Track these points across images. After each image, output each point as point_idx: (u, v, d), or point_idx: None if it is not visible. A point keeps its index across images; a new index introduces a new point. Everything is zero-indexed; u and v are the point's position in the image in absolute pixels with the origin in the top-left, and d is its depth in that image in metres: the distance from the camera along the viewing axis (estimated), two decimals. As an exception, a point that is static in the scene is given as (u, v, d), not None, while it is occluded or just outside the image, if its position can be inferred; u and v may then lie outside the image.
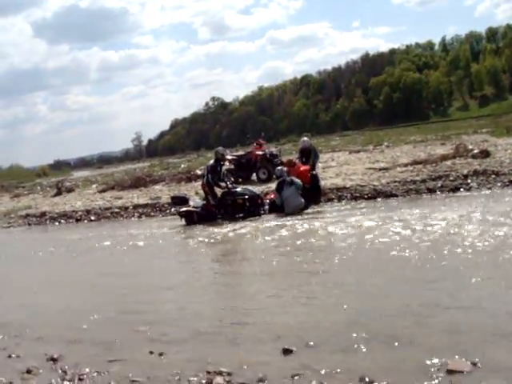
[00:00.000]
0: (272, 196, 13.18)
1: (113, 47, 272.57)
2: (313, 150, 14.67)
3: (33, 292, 8.57)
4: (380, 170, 16.69)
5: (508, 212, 9.40)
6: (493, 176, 13.41)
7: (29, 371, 4.98)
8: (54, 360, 5.18)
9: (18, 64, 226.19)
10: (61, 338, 5.83)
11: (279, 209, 12.63)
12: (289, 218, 11.76)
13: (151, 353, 5.03)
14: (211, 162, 13.74)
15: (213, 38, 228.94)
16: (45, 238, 15.46)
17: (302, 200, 12.50)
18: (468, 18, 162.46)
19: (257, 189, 14.26)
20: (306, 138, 15.52)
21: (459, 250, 7.36)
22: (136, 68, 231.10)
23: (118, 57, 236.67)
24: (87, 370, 4.83)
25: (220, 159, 13.72)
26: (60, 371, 4.91)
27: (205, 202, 13.43)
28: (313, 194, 13.26)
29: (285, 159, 16.25)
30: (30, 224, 18.16)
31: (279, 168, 13.49)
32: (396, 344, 4.56)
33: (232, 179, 13.95)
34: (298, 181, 12.68)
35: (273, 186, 14.64)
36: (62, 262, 11.16)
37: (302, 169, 13.51)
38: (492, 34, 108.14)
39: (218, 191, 13.33)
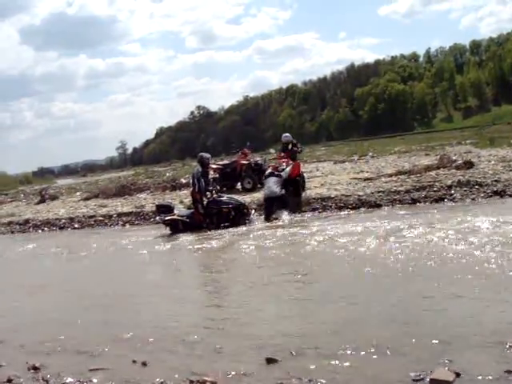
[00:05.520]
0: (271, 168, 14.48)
1: (100, 55, 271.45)
2: (296, 143, 16.78)
3: (13, 299, 8.47)
4: (365, 180, 16.76)
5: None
6: (476, 187, 13.50)
7: (9, 380, 4.88)
8: (35, 369, 5.09)
9: (5, 70, 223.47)
10: (42, 347, 5.74)
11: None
12: (273, 227, 11.76)
13: (134, 362, 4.98)
14: (199, 168, 13.42)
15: (200, 47, 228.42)
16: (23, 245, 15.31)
17: (279, 191, 13.29)
18: (452, 30, 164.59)
19: (241, 198, 14.24)
20: (287, 134, 17.13)
21: (442, 261, 7.41)
22: (123, 76, 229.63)
23: (105, 64, 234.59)
24: (69, 379, 4.76)
25: (206, 164, 13.64)
26: (42, 380, 4.84)
27: (191, 210, 13.37)
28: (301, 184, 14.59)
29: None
30: (13, 232, 18.11)
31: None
32: (380, 353, 4.56)
33: (218, 187, 13.84)
34: (286, 171, 13.80)
35: (257, 195, 14.84)
36: (43, 269, 11.06)
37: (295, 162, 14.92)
38: (476, 46, 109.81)
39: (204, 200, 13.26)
